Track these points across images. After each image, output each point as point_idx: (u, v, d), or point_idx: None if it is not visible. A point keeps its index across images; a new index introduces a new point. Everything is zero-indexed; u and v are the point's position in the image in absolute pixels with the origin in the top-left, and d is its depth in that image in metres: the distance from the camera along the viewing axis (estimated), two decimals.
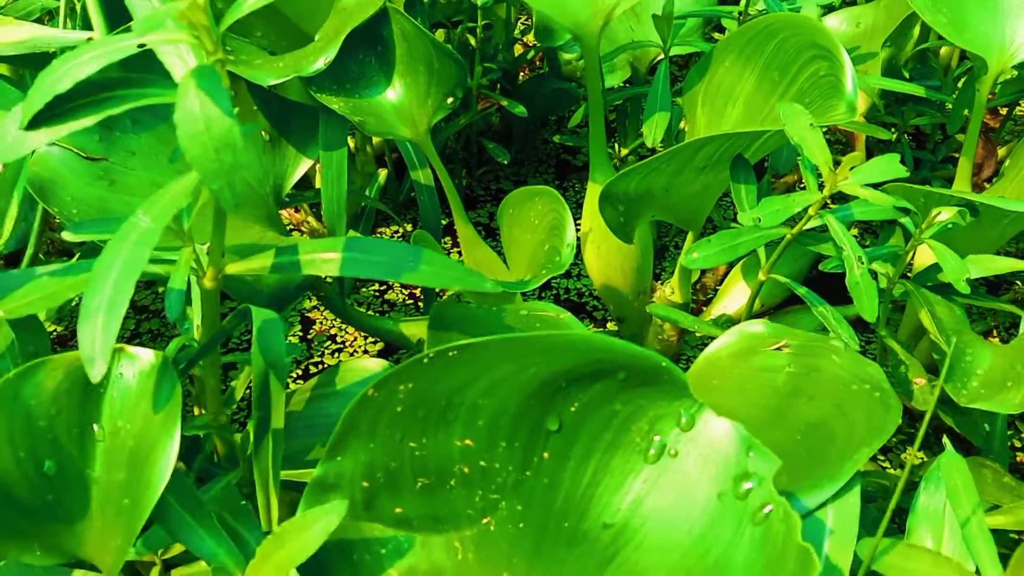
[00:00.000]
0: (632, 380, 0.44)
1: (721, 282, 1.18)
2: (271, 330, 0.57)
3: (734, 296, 1.13)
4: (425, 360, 0.43)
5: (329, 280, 1.17)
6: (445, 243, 1.27)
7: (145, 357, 0.51)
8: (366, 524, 0.48)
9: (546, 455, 0.46)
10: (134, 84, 0.61)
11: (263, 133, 0.90)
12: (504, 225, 0.93)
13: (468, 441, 0.45)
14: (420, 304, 1.17)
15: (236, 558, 0.49)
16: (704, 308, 1.15)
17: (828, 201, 0.70)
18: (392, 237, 1.28)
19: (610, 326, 1.13)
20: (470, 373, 0.44)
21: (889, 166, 0.66)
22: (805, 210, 0.69)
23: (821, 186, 0.69)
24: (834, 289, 1.14)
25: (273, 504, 0.61)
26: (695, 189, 0.83)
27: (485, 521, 0.47)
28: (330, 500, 0.47)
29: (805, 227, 0.70)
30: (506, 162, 1.24)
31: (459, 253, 1.22)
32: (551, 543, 0.46)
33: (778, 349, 0.66)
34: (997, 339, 1.12)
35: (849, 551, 0.48)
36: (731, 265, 1.21)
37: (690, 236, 0.94)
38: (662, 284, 1.02)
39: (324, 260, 0.58)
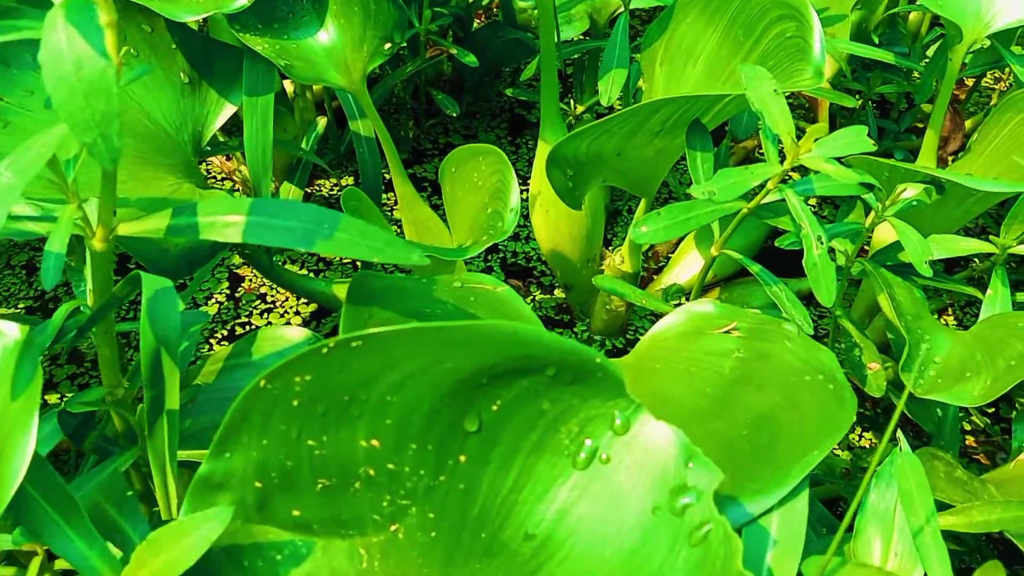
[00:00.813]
0: (562, 377, 0.39)
1: (674, 250, 1.13)
2: (163, 300, 0.51)
3: (687, 265, 1.08)
4: (324, 351, 0.38)
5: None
6: (388, 199, 1.20)
7: (10, 332, 0.44)
8: (259, 527, 0.42)
9: (463, 458, 0.40)
10: (10, 15, 0.54)
11: (181, 75, 0.82)
12: (446, 184, 0.87)
13: (374, 441, 0.40)
14: (359, 263, 1.11)
15: (111, 562, 0.43)
16: (656, 276, 1.10)
17: (789, 174, 0.65)
18: (332, 190, 1.21)
19: (557, 293, 1.08)
20: (376, 366, 0.38)
21: (855, 139, 0.61)
22: (764, 183, 0.64)
23: (782, 156, 0.64)
24: (788, 258, 1.10)
25: (171, 489, 0.56)
26: (649, 153, 0.78)
27: (393, 528, 0.41)
28: (217, 501, 0.42)
29: (763, 201, 0.65)
30: (456, 115, 1.17)
31: None
32: (466, 554, 0.41)
33: (727, 332, 0.61)
34: (952, 318, 1.09)
35: (793, 565, 0.44)
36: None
37: (643, 204, 0.89)
38: (613, 251, 0.97)
39: (225, 224, 0.51)
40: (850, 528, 0.60)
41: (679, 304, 1.08)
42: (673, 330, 0.63)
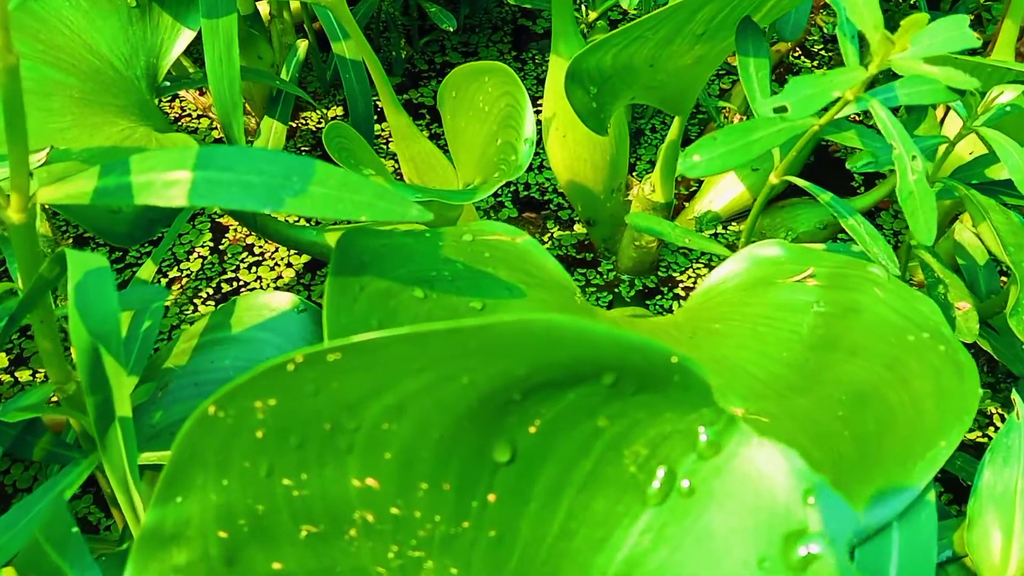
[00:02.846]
0: (624, 384, 0.28)
1: None
2: (96, 286, 0.40)
3: (722, 188, 0.96)
4: (290, 367, 0.27)
5: None
6: (384, 130, 1.07)
7: None
8: None
9: (492, 497, 0.30)
10: None
11: None
12: (446, 112, 0.75)
13: (371, 481, 0.30)
14: None
15: None
16: (687, 203, 0.99)
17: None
18: (320, 123, 1.08)
19: (578, 228, 0.96)
20: (364, 387, 0.27)
21: (956, 33, 0.48)
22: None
23: (863, 58, 0.51)
24: (825, 169, 0.97)
25: (138, 505, 0.46)
26: (687, 62, 0.65)
27: None
28: (172, 558, 0.31)
29: (837, 115, 0.53)
30: (453, 29, 1.03)
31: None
32: None
33: (802, 280, 0.50)
34: None
35: None
36: None
37: (676, 122, 0.76)
38: (640, 180, 0.85)
39: (166, 183, 0.40)
40: (960, 511, 0.50)
41: (715, 234, 0.97)
42: (733, 280, 0.52)
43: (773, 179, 0.58)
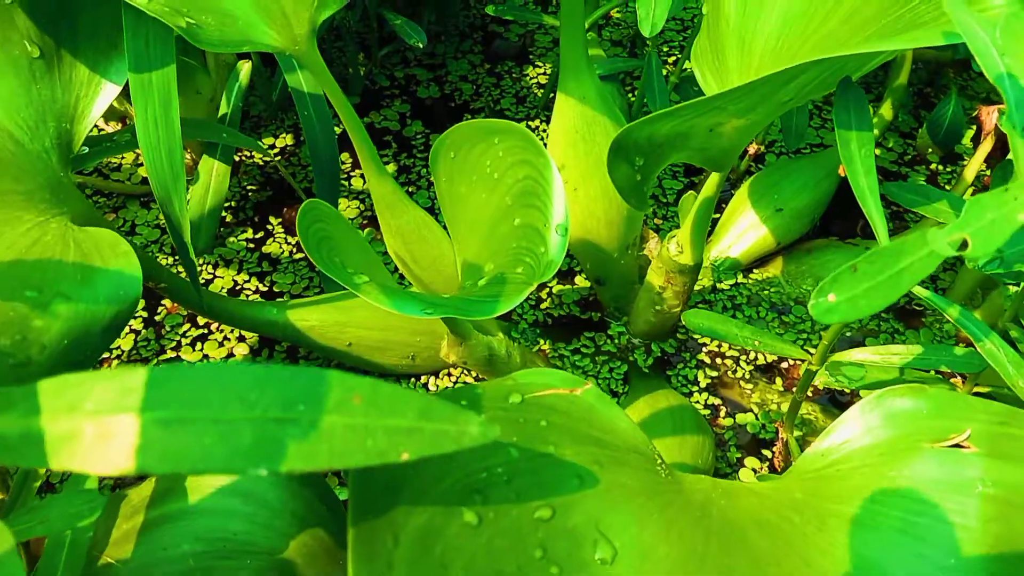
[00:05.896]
0: None
1: (719, 209, 0.89)
2: None
3: (741, 230, 0.85)
4: None
5: (173, 267, 0.82)
6: (346, 160, 0.92)
7: None
8: None
9: None
10: None
11: (27, 44, 0.53)
12: (441, 174, 0.61)
13: None
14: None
15: None
16: None
17: None
18: (269, 150, 0.92)
19: (580, 281, 0.84)
20: None
21: None
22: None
23: None
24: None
25: None
26: (748, 124, 0.53)
27: None
28: None
29: None
30: (422, 46, 0.88)
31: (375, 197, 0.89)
32: None
33: (956, 446, 0.38)
34: None
35: None
36: (732, 183, 0.92)
37: (715, 179, 0.64)
38: (665, 239, 0.72)
39: (101, 435, 0.25)
40: None
41: (736, 284, 0.85)
42: (861, 441, 0.40)
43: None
